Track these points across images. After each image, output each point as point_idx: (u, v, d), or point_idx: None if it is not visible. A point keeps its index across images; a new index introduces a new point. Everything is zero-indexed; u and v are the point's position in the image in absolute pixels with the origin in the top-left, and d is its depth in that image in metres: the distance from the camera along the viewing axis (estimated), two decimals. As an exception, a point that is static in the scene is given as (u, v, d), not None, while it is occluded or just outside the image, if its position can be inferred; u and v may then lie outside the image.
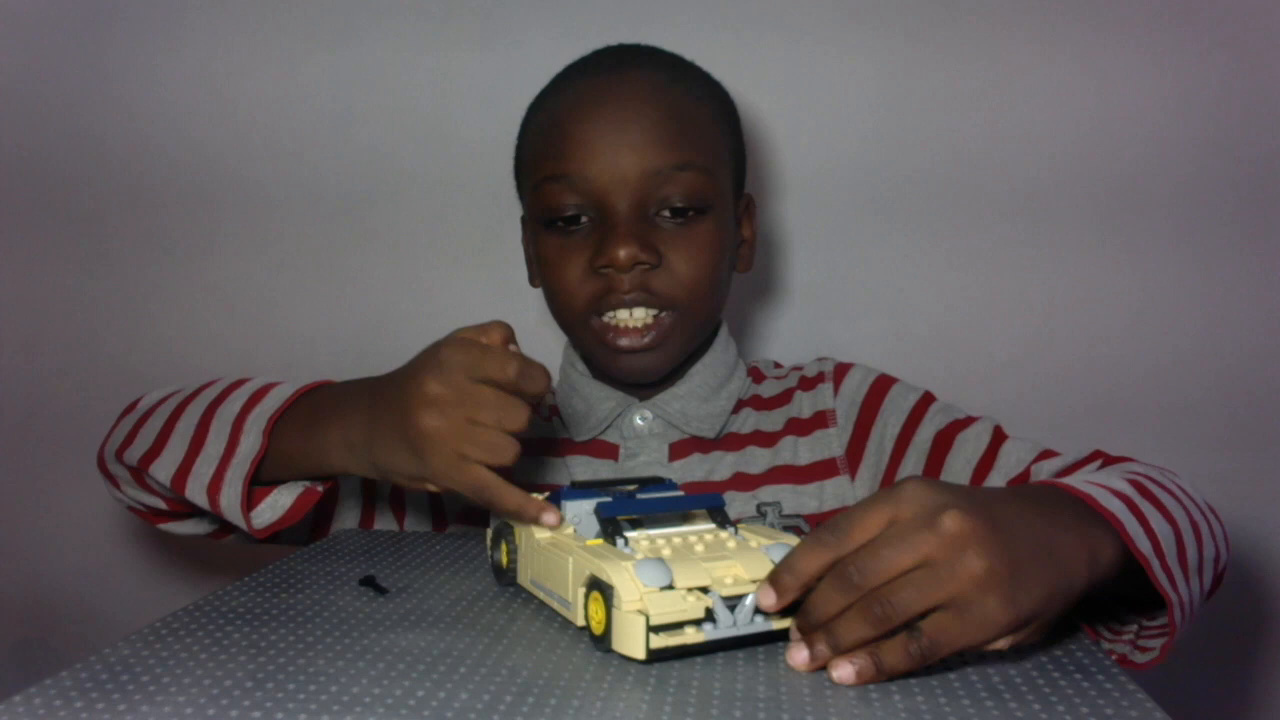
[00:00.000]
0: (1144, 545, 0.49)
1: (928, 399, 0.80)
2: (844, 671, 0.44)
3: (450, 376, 0.54)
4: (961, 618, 0.43)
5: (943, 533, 0.43)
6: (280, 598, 0.57)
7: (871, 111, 1.08)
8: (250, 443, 0.63)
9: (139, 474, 0.70)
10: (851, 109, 1.08)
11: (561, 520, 0.55)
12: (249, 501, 0.64)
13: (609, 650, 0.47)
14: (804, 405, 0.83)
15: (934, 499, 0.45)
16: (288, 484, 0.66)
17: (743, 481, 0.79)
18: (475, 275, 1.14)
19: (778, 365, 0.91)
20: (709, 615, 0.46)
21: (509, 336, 0.57)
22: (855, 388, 0.82)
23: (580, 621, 0.49)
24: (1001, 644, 0.45)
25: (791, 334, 1.12)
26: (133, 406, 0.76)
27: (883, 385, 0.82)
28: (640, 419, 0.81)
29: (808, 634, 0.46)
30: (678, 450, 0.81)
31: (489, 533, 0.62)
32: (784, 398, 0.84)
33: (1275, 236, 1.04)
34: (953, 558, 0.43)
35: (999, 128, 1.06)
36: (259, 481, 0.65)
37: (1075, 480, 0.53)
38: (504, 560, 0.59)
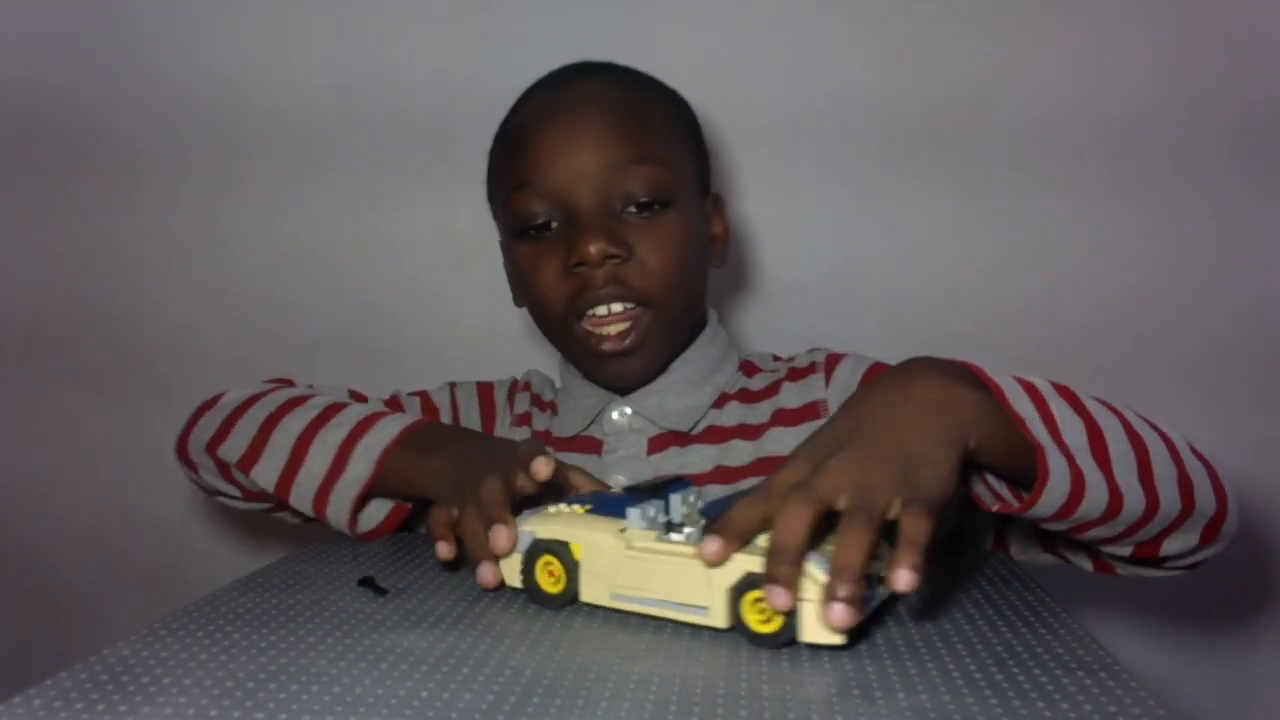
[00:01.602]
0: (1023, 408, 0.53)
1: None
2: (837, 613, 0.45)
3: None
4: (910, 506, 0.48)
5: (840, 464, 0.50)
6: (280, 598, 0.57)
7: (870, 91, 1.08)
8: (361, 469, 0.72)
9: (228, 470, 0.78)
10: (849, 87, 1.08)
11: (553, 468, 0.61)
12: (353, 514, 0.74)
13: (790, 643, 0.48)
14: (792, 396, 0.83)
15: (823, 445, 0.53)
16: (378, 499, 0.76)
17: (724, 475, 0.79)
18: (475, 276, 1.13)
19: (777, 358, 0.90)
20: None
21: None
22: (848, 377, 0.81)
23: (724, 624, 0.50)
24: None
25: (791, 329, 1.12)
26: (213, 402, 0.81)
27: (877, 372, 0.81)
28: (618, 414, 0.82)
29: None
30: (655, 444, 0.82)
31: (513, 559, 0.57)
32: (770, 390, 0.84)
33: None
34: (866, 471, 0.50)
35: (995, 91, 1.06)
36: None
37: (988, 370, 0.57)
38: (545, 582, 0.55)
